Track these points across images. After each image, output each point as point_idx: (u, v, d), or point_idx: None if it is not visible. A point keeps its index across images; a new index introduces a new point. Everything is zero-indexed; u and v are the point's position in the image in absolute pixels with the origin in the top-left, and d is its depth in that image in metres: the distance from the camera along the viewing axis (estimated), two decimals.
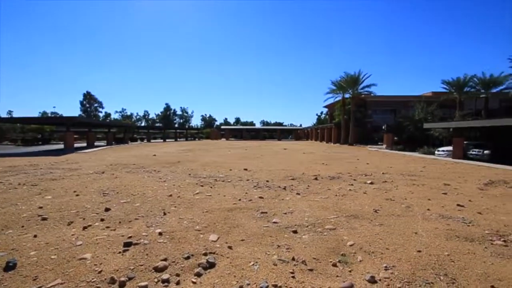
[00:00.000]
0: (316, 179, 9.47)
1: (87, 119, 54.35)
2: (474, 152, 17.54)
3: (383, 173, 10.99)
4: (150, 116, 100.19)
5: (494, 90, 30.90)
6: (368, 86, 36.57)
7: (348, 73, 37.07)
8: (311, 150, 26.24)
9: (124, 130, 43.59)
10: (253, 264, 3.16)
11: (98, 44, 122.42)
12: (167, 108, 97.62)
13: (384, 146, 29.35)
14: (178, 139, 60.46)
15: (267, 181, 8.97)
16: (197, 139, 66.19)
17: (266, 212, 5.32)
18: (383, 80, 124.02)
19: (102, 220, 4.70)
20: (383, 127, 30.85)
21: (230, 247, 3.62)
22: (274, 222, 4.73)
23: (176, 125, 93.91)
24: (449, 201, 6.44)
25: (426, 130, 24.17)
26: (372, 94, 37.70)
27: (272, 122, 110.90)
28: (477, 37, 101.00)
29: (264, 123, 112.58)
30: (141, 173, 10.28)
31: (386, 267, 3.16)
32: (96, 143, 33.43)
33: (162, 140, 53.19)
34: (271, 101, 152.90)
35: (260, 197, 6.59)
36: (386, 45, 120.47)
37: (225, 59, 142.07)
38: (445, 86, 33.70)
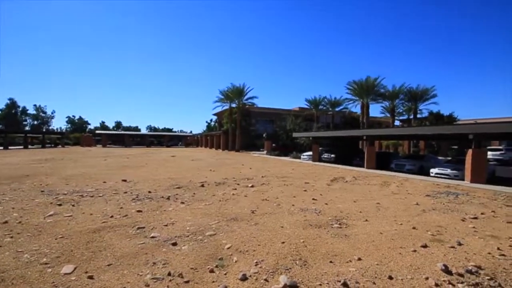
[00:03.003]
0: (202, 186, 9.52)
1: None
2: (326, 156, 22.57)
3: (262, 176, 12.34)
4: None
5: (337, 109, 41.31)
6: (251, 98, 40.70)
7: (234, 85, 39.92)
8: (200, 157, 26.24)
9: None
10: None
11: None
12: (12, 105, 73.19)
13: (265, 152, 33.16)
14: (31, 146, 46.55)
15: (150, 192, 8.26)
16: (60, 145, 52.89)
17: (143, 227, 4.86)
18: (264, 94, 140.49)
19: None
20: (264, 135, 34.99)
21: (91, 277, 3.05)
22: (152, 237, 4.38)
23: (28, 128, 72.21)
24: (307, 196, 7.97)
25: (295, 138, 29.40)
26: (255, 105, 42.00)
27: (161, 128, 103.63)
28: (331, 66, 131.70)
29: (151, 128, 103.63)
30: None
31: (256, 262, 3.53)
32: None
33: (1, 148, 39.35)
34: (159, 107, 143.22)
35: (139, 211, 5.97)
36: (266, 62, 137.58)
37: (106, 59, 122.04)
38: (307, 103, 42.21)
